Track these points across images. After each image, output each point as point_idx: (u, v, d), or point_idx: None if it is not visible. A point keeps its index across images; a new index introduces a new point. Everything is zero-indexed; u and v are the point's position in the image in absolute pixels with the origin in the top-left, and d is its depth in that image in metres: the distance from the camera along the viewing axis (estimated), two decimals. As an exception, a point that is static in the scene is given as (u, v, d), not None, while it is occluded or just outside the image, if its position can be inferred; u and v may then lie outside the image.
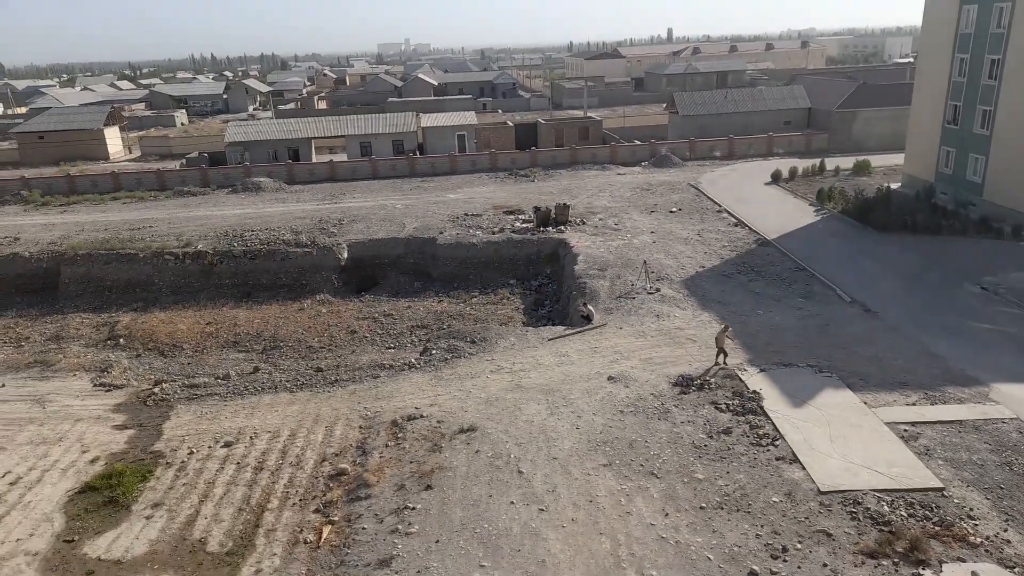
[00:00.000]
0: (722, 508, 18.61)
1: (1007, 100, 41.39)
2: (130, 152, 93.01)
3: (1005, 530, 17.28)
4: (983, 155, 43.51)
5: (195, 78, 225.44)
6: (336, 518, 19.57)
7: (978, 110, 43.80)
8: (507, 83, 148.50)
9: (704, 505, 18.75)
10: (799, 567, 16.46)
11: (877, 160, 59.10)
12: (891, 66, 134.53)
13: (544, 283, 41.31)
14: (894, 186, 51.58)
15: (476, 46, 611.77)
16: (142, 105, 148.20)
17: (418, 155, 69.91)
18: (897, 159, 55.94)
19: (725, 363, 26.01)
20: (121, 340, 35.14)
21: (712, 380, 25.09)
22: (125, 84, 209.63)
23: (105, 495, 21.43)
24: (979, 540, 16.91)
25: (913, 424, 21.90)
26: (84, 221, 52.82)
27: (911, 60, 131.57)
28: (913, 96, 51.33)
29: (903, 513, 17.99)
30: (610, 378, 25.90)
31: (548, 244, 43.14)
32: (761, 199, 51.71)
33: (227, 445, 23.99)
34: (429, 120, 76.63)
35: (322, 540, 18.77)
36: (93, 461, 23.66)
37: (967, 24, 44.51)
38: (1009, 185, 41.59)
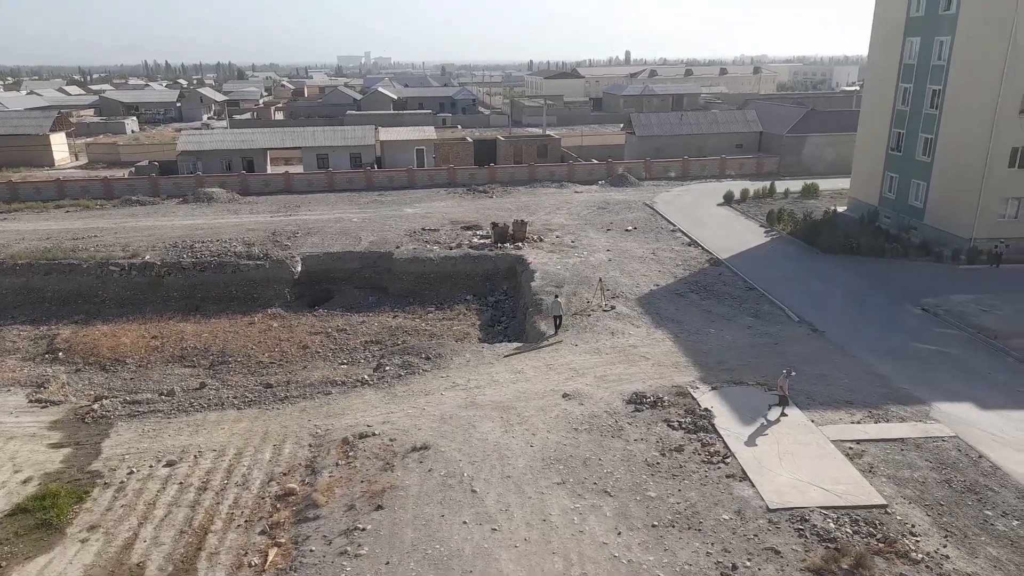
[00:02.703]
0: (674, 526, 18.69)
1: (947, 129, 43.17)
2: (77, 159, 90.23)
3: (944, 546, 17.73)
4: (924, 181, 45.22)
5: (148, 85, 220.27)
6: (283, 540, 19.01)
7: (920, 138, 45.56)
8: (467, 99, 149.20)
9: (656, 523, 18.81)
10: (748, 585, 16.58)
11: (825, 184, 60.93)
12: (838, 93, 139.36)
13: (501, 299, 41.27)
14: (840, 209, 53.21)
15: (437, 62, 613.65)
16: (91, 111, 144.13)
17: (376, 169, 69.44)
18: (844, 183, 57.79)
19: (785, 412, 23.98)
20: (60, 354, 33.81)
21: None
22: (74, 89, 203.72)
23: (38, 517, 20.42)
24: (920, 556, 17.31)
25: (858, 442, 22.40)
26: (25, 230, 50.87)
27: (858, 88, 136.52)
28: (859, 123, 53.18)
29: (848, 530, 18.33)
30: (565, 395, 25.91)
31: (505, 260, 43.16)
32: (714, 219, 52.75)
33: (169, 464, 23.18)
34: (388, 134, 76.28)
35: (268, 563, 18.19)
36: (26, 482, 22.57)
37: (910, 55, 46.39)
38: (948, 211, 43.28)
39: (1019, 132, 39.59)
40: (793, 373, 24.70)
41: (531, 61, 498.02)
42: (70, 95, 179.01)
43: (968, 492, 19.87)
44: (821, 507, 19.16)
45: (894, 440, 22.51)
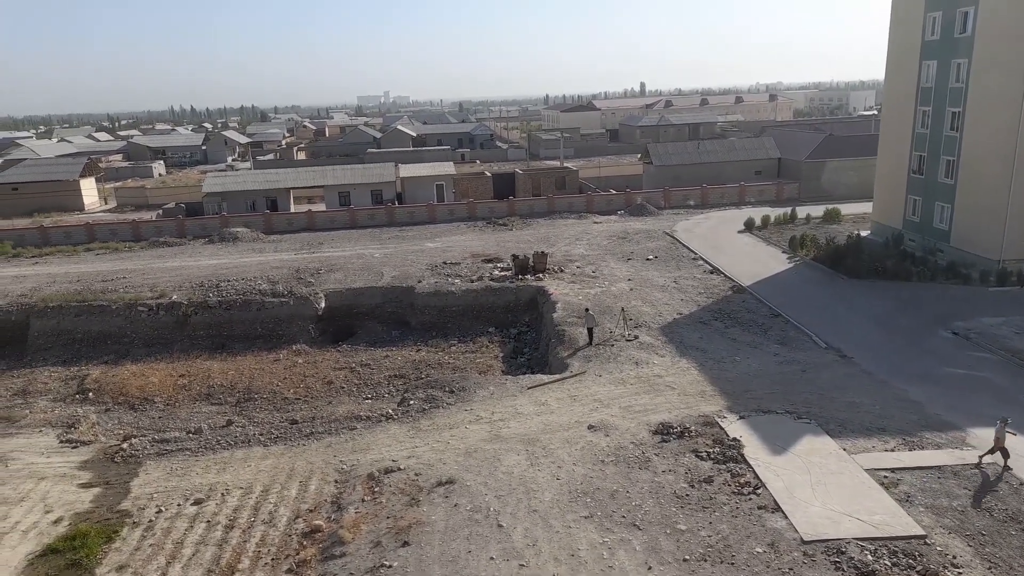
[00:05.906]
0: (705, 560, 18.29)
1: (969, 150, 42.81)
2: (106, 203, 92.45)
3: (989, 578, 17.16)
4: (949, 203, 44.74)
5: (174, 129, 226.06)
6: (310, 578, 18.89)
7: (942, 160, 45.22)
8: (484, 134, 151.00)
9: (687, 557, 18.42)
10: (785, 620, 16.13)
11: (846, 208, 60.49)
12: (856, 118, 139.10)
13: (523, 331, 41.23)
14: (864, 233, 52.72)
15: (454, 98, 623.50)
16: (119, 156, 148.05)
17: (397, 205, 70.30)
18: (865, 207, 57.34)
19: (1008, 465, 21.47)
20: (90, 394, 34.26)
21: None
22: (103, 135, 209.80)
23: (68, 558, 20.53)
24: (963, 588, 16.75)
25: (892, 470, 21.87)
26: (56, 273, 52.03)
27: (875, 112, 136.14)
28: (879, 147, 52.92)
29: (887, 562, 17.81)
30: (590, 427, 25.68)
31: (526, 292, 43.23)
32: (735, 247, 52.50)
33: (197, 503, 23.24)
34: (408, 170, 77.36)
35: (295, 601, 18.07)
36: (56, 522, 22.75)
37: (927, 79, 46.30)
38: (975, 232, 42.70)
39: (1043, 151, 39.14)
40: (1009, 421, 21.90)
41: (547, 95, 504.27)
42: (99, 141, 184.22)
43: (1011, 521, 19.25)
44: (857, 538, 18.66)
45: (930, 468, 21.94)
